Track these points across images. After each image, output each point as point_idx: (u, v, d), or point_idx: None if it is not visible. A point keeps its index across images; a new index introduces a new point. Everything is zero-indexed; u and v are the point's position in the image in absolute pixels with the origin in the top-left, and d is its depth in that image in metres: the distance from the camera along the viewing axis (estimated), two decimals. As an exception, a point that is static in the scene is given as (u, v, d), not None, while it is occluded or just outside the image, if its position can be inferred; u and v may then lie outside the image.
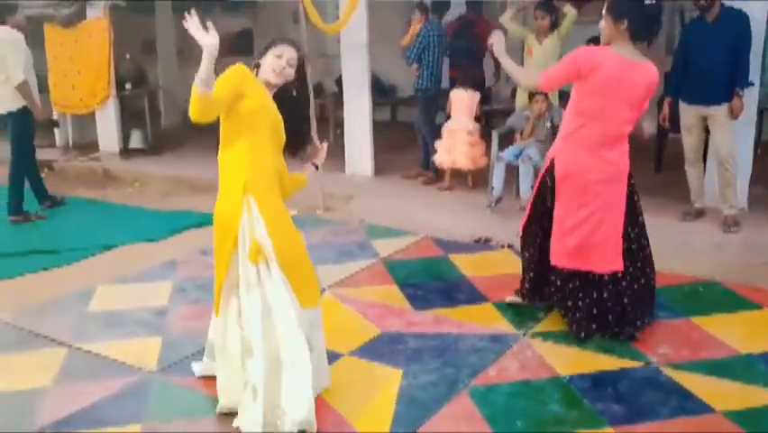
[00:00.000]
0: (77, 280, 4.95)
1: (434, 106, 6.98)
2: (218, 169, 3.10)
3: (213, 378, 3.40)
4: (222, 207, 3.09)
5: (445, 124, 6.80)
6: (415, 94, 7.05)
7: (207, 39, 2.69)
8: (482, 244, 5.47)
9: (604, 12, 3.69)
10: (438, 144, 6.76)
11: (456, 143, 6.66)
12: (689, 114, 5.49)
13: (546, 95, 5.94)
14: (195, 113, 2.79)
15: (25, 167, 6.47)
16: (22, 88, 6.11)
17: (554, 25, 6.13)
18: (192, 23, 2.70)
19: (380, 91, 9.16)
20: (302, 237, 3.19)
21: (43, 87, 7.56)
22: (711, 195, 5.60)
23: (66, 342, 4.01)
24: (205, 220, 6.20)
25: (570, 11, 6.14)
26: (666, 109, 5.66)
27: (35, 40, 7.67)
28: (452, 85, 7.14)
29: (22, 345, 4.01)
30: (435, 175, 6.94)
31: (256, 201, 2.99)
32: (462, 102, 6.74)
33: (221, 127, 3.04)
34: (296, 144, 3.25)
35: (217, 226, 3.12)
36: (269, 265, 3.01)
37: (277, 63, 3.03)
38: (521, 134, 6.22)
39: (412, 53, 6.78)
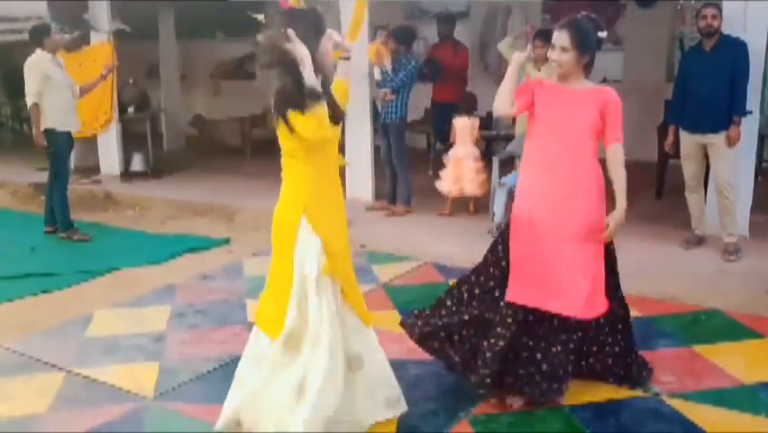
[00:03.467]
0: (76, 304, 4.92)
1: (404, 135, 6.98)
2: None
3: (211, 405, 3.34)
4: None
5: (450, 153, 6.80)
6: (389, 123, 6.77)
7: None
8: (483, 270, 5.44)
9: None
10: (444, 173, 6.73)
11: (464, 171, 6.64)
12: (688, 141, 5.50)
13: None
14: None
15: (62, 185, 6.62)
16: (32, 111, 6.34)
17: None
18: None
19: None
20: None
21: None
22: (712, 222, 5.59)
23: (63, 367, 3.98)
24: (205, 244, 6.12)
25: None
26: (671, 136, 5.66)
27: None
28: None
29: (20, 370, 3.98)
30: (393, 204, 6.90)
31: None
32: (465, 129, 6.76)
33: None
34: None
35: None
36: None
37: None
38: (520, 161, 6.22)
39: (397, 82, 6.64)
